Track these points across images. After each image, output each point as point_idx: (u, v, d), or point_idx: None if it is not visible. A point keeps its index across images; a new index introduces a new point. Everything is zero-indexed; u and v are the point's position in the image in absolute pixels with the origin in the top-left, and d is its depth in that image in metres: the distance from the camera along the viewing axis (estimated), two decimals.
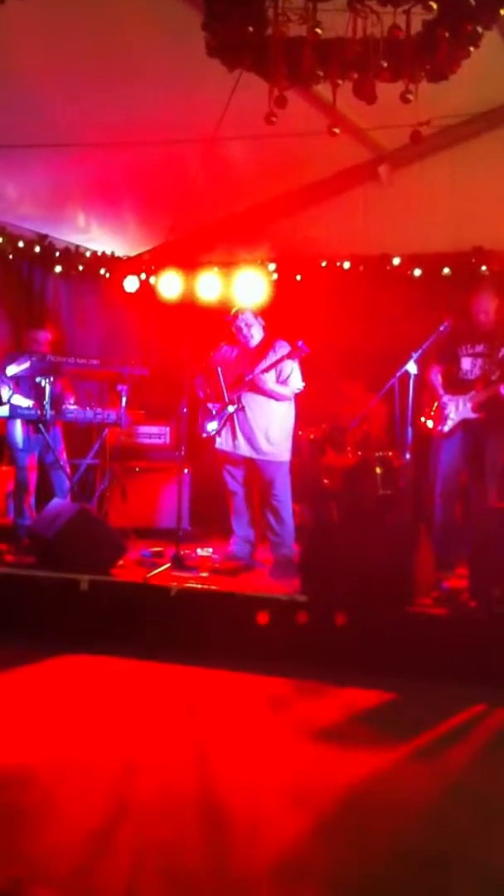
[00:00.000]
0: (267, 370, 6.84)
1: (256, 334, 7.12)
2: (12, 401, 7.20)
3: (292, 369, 6.97)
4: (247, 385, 6.91)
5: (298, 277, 8.91)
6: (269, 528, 7.03)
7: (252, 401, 6.93)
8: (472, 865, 3.18)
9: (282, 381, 6.94)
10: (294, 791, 3.76)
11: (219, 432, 7.05)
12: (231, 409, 6.92)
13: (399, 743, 4.32)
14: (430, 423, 6.86)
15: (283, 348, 6.95)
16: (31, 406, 7.14)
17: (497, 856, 3.25)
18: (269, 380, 6.87)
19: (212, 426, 7.07)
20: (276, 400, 6.96)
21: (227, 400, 6.97)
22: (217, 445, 7.09)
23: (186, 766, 3.98)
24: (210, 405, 7.11)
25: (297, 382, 6.98)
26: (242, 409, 6.92)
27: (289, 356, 6.83)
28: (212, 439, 7.12)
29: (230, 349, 7.25)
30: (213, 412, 7.08)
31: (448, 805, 3.68)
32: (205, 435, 7.15)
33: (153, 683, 5.16)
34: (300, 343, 6.82)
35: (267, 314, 7.32)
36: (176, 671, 5.34)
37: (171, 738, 4.32)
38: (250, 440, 6.94)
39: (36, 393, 7.15)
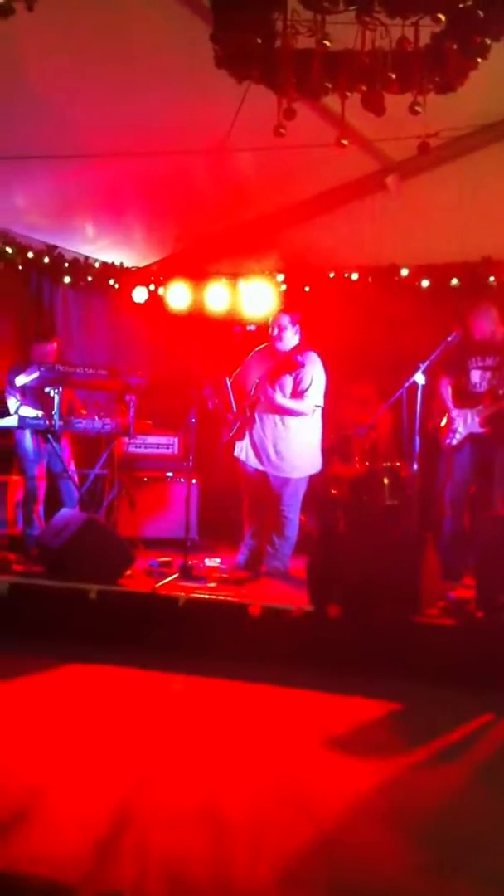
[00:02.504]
0: (277, 379, 6.82)
1: (288, 339, 6.98)
2: (20, 411, 7.23)
3: (312, 381, 6.81)
4: (253, 397, 6.90)
5: (307, 288, 8.91)
6: (269, 540, 7.02)
7: (263, 411, 6.91)
8: (477, 876, 3.17)
9: (298, 393, 6.84)
10: (299, 800, 3.75)
11: (234, 440, 7.05)
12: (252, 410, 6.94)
13: (405, 753, 4.32)
14: (437, 434, 6.88)
15: (304, 361, 6.83)
16: (39, 416, 7.16)
17: (501, 867, 3.24)
18: (277, 395, 6.79)
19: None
20: (289, 415, 6.89)
21: (234, 410, 6.98)
22: (234, 453, 7.10)
23: (192, 776, 3.97)
24: (229, 415, 7.08)
25: (314, 397, 6.84)
26: (253, 418, 6.91)
27: (293, 365, 6.81)
28: (229, 447, 7.13)
29: (261, 354, 7.19)
30: (231, 420, 7.07)
31: (454, 815, 3.68)
32: (224, 441, 7.16)
33: (160, 693, 5.16)
34: (298, 357, 6.80)
35: (297, 320, 7.18)
36: (183, 681, 5.34)
37: (177, 748, 4.31)
38: (258, 452, 6.93)
39: (44, 403, 7.17)
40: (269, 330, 7.04)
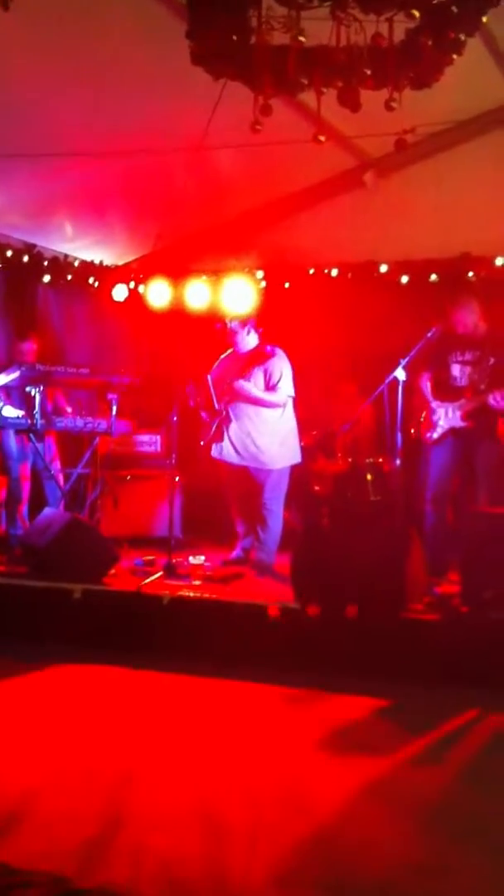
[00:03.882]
0: (245, 377, 6.90)
1: (245, 341, 7.18)
2: (3, 412, 7.20)
3: (282, 374, 6.99)
4: (229, 393, 6.97)
5: (286, 285, 8.92)
6: (254, 533, 7.10)
7: (238, 408, 7.00)
8: (470, 872, 3.19)
9: (270, 387, 6.98)
10: (291, 798, 3.76)
11: (211, 441, 7.11)
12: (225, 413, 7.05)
13: (393, 749, 4.33)
14: (418, 431, 6.88)
15: (271, 354, 7.02)
16: (21, 416, 7.14)
17: (495, 862, 3.25)
18: (251, 387, 6.94)
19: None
20: (264, 406, 7.00)
21: (217, 408, 7.04)
22: (212, 454, 7.16)
23: (183, 775, 3.98)
24: (203, 414, 7.17)
25: (286, 388, 7.02)
26: (228, 417, 6.98)
27: (260, 361, 6.90)
28: (208, 448, 7.18)
29: (228, 360, 7.30)
30: (206, 420, 7.14)
31: (444, 811, 3.69)
32: (202, 443, 7.23)
33: (147, 692, 5.16)
34: (268, 347, 6.93)
35: (255, 322, 7.35)
36: (169, 679, 5.34)
37: (167, 747, 4.32)
38: (236, 447, 7.04)
39: (26, 403, 7.15)
40: (228, 338, 7.23)
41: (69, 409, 7.80)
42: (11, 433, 7.53)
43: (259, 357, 7.08)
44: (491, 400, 6.38)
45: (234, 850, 3.27)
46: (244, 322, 7.20)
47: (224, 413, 7.05)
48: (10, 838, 3.33)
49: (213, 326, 7.45)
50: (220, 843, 3.32)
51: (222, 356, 7.39)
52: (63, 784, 3.85)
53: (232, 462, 7.09)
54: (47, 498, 7.76)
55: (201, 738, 4.47)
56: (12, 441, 7.63)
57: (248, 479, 7.12)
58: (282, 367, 7.02)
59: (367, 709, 4.93)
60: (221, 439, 7.10)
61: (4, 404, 7.32)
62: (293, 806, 3.69)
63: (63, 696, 5.07)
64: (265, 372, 7.02)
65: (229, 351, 7.36)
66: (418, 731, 4.55)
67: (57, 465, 7.83)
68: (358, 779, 3.97)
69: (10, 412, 7.21)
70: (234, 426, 7.05)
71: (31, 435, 7.24)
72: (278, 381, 6.98)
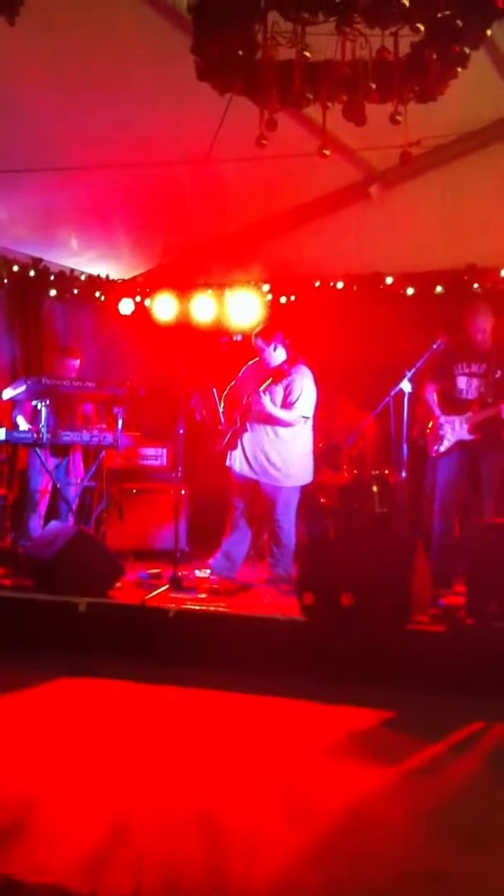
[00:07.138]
0: (264, 391, 6.84)
1: (273, 357, 7.04)
2: (16, 420, 7.23)
3: (301, 393, 6.87)
4: (244, 407, 6.93)
5: (292, 297, 8.94)
6: (268, 550, 7.08)
7: (254, 422, 6.94)
8: (472, 882, 3.17)
9: (287, 404, 6.87)
10: (293, 808, 3.76)
11: (226, 449, 7.08)
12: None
13: (397, 760, 4.32)
14: (424, 443, 6.88)
15: (295, 372, 6.92)
16: (27, 430, 7.15)
17: (495, 873, 3.24)
18: (266, 401, 6.84)
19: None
20: (274, 424, 6.91)
21: (221, 421, 7.02)
22: (227, 462, 7.13)
23: (185, 786, 3.97)
24: (221, 426, 7.13)
25: (302, 408, 6.89)
26: (245, 429, 6.95)
27: (282, 377, 6.85)
28: (221, 456, 7.15)
29: (254, 368, 7.24)
30: (222, 429, 7.11)
31: (447, 822, 3.68)
32: (218, 449, 7.19)
33: (152, 704, 5.15)
34: (299, 365, 6.87)
35: (282, 336, 7.22)
36: (174, 692, 5.33)
37: (170, 758, 4.31)
38: (250, 462, 6.97)
39: (57, 417, 7.14)
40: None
41: (103, 424, 7.78)
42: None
43: (281, 372, 6.92)
44: None
45: (236, 858, 3.26)
46: (268, 339, 7.05)
47: (240, 424, 7.00)
48: (13, 848, 3.33)
49: (219, 340, 7.44)
50: (221, 852, 3.32)
51: (249, 363, 7.28)
52: (67, 794, 3.84)
53: (244, 475, 7.05)
54: (61, 513, 7.76)
55: (204, 748, 4.46)
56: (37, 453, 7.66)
57: (256, 492, 7.07)
58: (302, 385, 6.88)
59: (373, 719, 4.91)
60: (235, 449, 7.06)
61: (19, 413, 7.34)
62: (295, 814, 3.69)
63: (68, 709, 5.06)
64: (285, 388, 6.89)
65: (256, 359, 7.24)
66: (423, 742, 4.53)
67: (76, 481, 7.81)
68: (361, 788, 3.96)
69: (18, 424, 7.24)
70: (248, 438, 6.97)
71: (37, 449, 7.23)
72: (296, 400, 6.85)
